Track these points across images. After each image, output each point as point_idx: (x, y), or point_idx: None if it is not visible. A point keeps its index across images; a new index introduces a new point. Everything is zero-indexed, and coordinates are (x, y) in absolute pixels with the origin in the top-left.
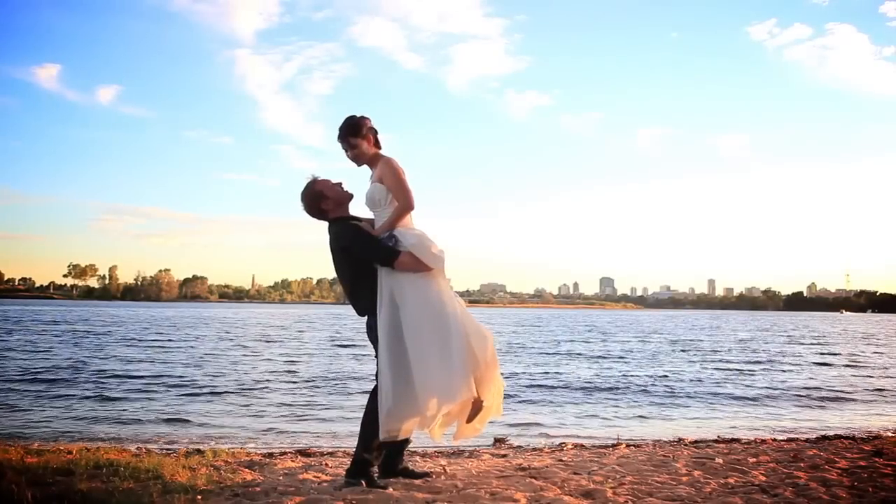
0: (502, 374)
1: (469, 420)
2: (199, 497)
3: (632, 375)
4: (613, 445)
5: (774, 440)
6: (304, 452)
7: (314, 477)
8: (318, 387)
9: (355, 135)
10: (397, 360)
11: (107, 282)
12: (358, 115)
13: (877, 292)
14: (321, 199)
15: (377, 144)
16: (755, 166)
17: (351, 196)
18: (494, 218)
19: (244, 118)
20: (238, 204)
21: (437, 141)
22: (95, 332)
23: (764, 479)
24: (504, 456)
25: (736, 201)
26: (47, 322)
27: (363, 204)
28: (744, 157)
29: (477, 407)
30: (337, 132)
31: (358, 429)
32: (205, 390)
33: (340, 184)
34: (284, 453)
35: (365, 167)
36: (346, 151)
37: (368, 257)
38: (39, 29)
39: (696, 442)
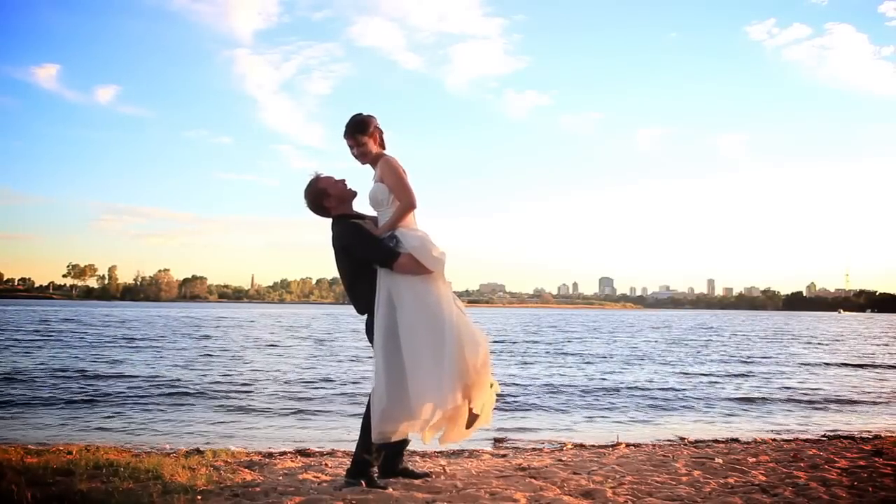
0: (499, 377)
1: (468, 427)
2: (199, 497)
3: (631, 376)
4: (613, 445)
5: (774, 440)
6: (303, 452)
7: (314, 477)
8: (317, 387)
9: (363, 132)
10: (392, 362)
11: (106, 282)
12: (364, 113)
13: (876, 292)
14: (324, 197)
15: (382, 144)
16: (754, 166)
17: (354, 194)
18: (494, 218)
19: (243, 118)
20: (237, 204)
21: (436, 141)
22: (91, 334)
23: (764, 478)
24: (504, 456)
25: (735, 201)
26: (39, 322)
27: (367, 204)
28: (743, 156)
29: (473, 417)
30: (344, 129)
31: (357, 429)
32: (203, 391)
33: (344, 181)
34: (284, 453)
35: (367, 166)
36: (352, 149)
37: (368, 258)
38: (38, 29)
39: (695, 442)
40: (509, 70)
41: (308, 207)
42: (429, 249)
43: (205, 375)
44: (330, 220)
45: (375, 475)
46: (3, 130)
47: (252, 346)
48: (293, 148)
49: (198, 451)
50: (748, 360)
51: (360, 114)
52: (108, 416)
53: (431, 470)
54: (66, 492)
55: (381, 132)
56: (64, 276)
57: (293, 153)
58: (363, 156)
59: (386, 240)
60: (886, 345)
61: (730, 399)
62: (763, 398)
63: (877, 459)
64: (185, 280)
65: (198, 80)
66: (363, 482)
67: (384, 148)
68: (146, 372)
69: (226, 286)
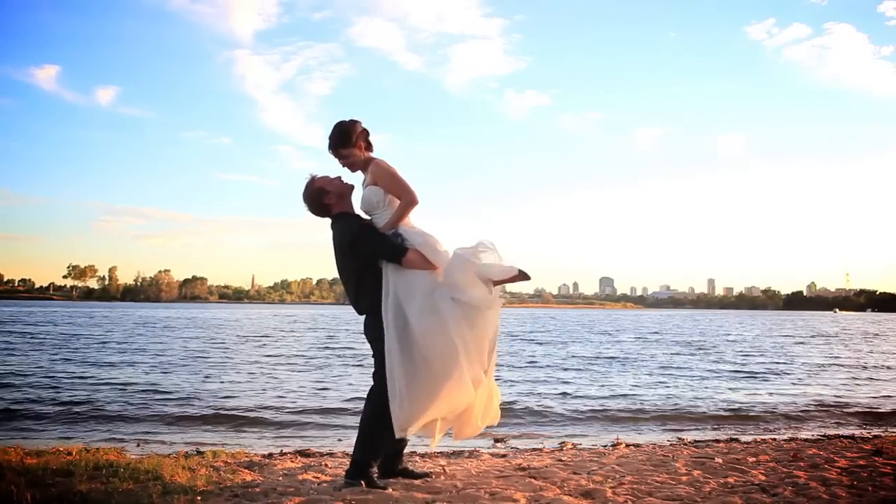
0: (500, 377)
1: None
2: (199, 498)
3: (633, 377)
4: (613, 445)
5: (774, 440)
6: (303, 453)
7: (314, 477)
8: (317, 387)
9: (346, 144)
10: (407, 356)
11: (106, 283)
12: (347, 119)
13: (876, 291)
14: (324, 195)
15: (369, 147)
16: (754, 166)
17: (352, 187)
18: (493, 218)
19: (243, 119)
20: (237, 204)
21: (435, 141)
22: (83, 335)
23: (764, 478)
24: (503, 456)
25: (735, 201)
26: (34, 323)
27: (359, 208)
28: (743, 156)
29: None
30: (327, 142)
31: (357, 429)
32: (205, 391)
33: (339, 177)
34: (284, 454)
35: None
36: (339, 160)
37: (375, 252)
38: (38, 30)
39: (695, 442)
40: (509, 70)
41: (309, 210)
42: (433, 245)
43: (204, 375)
44: (330, 221)
45: (375, 475)
46: (3, 131)
47: (253, 347)
48: (293, 148)
49: (198, 452)
50: (749, 362)
51: (342, 122)
52: (101, 422)
53: (431, 470)
54: (66, 493)
55: (366, 135)
56: (64, 276)
57: (293, 154)
58: (352, 166)
59: (391, 236)
60: (890, 346)
61: (730, 400)
62: (765, 401)
63: (876, 459)
64: (186, 281)
65: (197, 80)
66: (363, 482)
67: (371, 150)
68: (146, 369)
69: (226, 287)
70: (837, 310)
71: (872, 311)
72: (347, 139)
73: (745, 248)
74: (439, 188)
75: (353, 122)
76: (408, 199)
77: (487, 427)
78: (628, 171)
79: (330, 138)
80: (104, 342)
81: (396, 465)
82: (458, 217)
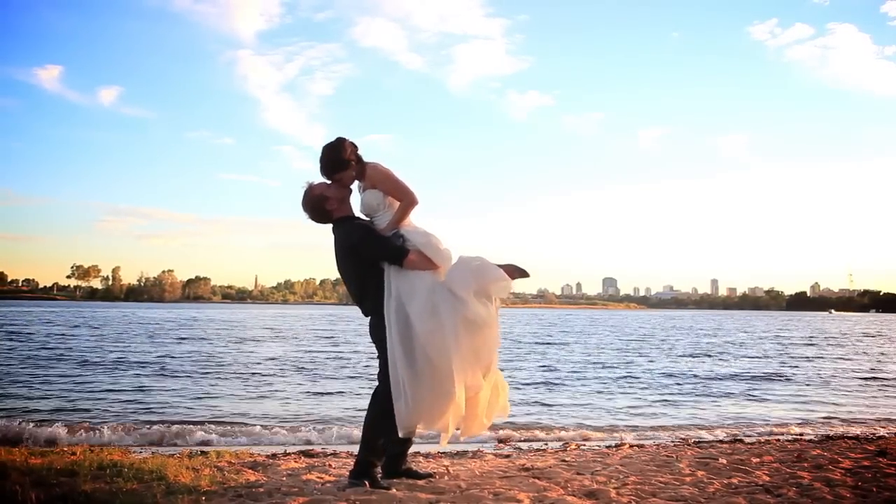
0: (508, 375)
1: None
2: (203, 498)
3: (635, 379)
4: (617, 446)
5: (778, 440)
6: (307, 453)
7: (317, 477)
8: (319, 388)
9: (339, 169)
10: (410, 357)
11: (110, 283)
12: (334, 140)
13: (880, 292)
14: (324, 201)
15: (359, 160)
16: (757, 166)
17: (350, 191)
18: (495, 218)
19: (245, 119)
20: (240, 205)
21: (438, 141)
22: (92, 337)
23: (767, 479)
24: (507, 456)
25: (738, 201)
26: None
27: (359, 212)
28: (745, 157)
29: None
30: (319, 167)
31: (361, 430)
32: (207, 392)
33: (337, 182)
34: (288, 454)
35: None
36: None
37: (377, 255)
38: (41, 30)
39: (699, 442)
40: (511, 70)
41: (310, 217)
42: (435, 245)
43: (207, 377)
44: (331, 226)
45: (379, 476)
46: (6, 132)
47: (256, 347)
48: (295, 149)
49: (202, 452)
50: (753, 364)
51: (331, 148)
52: (104, 424)
53: (435, 470)
54: (70, 492)
55: (355, 149)
56: (68, 277)
57: (295, 154)
58: (346, 184)
59: (392, 238)
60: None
61: (734, 404)
62: (770, 410)
63: (881, 459)
64: (189, 281)
65: (200, 80)
66: (367, 483)
67: (361, 160)
68: (152, 367)
69: (229, 287)
70: (833, 310)
71: (876, 311)
72: (340, 165)
73: (748, 248)
74: (442, 188)
75: (342, 144)
76: (408, 201)
77: (496, 418)
78: (631, 172)
79: (321, 163)
80: (106, 344)
81: (400, 466)
82: (460, 217)
